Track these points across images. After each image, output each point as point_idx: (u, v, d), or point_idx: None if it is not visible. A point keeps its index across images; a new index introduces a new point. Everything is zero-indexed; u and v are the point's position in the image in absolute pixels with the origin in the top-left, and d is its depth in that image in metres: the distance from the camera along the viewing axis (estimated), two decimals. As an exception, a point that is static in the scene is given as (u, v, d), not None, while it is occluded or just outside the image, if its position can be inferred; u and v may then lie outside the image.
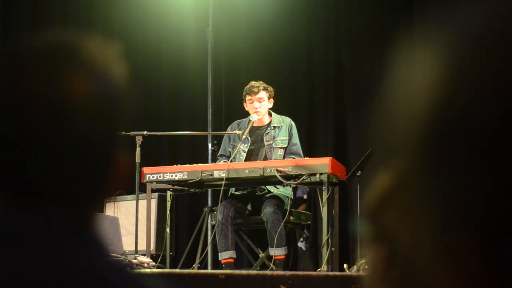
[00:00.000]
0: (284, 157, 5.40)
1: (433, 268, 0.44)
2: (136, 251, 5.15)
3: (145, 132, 5.24)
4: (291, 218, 5.37)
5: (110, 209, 6.17)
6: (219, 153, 5.68)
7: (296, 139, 5.51)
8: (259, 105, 5.43)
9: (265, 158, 5.42)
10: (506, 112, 0.41)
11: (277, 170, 4.95)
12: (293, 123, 5.55)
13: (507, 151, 0.41)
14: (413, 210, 0.45)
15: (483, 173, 0.41)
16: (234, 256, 5.29)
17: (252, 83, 5.51)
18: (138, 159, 5.14)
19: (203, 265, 5.52)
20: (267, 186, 5.46)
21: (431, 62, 0.44)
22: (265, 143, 5.47)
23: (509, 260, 0.41)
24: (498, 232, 0.41)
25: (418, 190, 0.44)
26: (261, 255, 5.36)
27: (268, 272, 4.58)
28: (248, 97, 5.46)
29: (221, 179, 5.10)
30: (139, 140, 5.18)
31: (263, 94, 5.45)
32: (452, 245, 0.43)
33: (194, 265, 5.35)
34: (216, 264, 5.48)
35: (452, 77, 0.43)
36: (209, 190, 5.79)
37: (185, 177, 5.21)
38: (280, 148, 5.45)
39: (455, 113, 0.42)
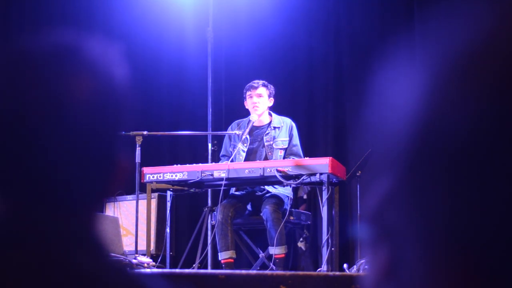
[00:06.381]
0: (284, 158, 5.40)
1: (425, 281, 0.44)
2: (136, 251, 5.15)
3: (145, 132, 5.24)
4: (291, 218, 5.37)
5: (110, 209, 6.17)
6: (221, 153, 5.69)
7: (296, 140, 5.51)
8: (258, 99, 5.45)
9: (265, 158, 5.42)
10: (499, 122, 0.40)
11: (277, 170, 4.94)
12: (294, 124, 5.56)
13: (490, 166, 0.40)
14: (400, 226, 0.44)
15: (465, 190, 0.41)
16: (234, 256, 5.29)
17: (254, 80, 5.57)
18: (138, 159, 5.14)
19: (203, 265, 5.51)
20: (266, 186, 5.47)
21: (430, 65, 0.44)
22: (265, 143, 5.48)
23: (491, 273, 0.41)
24: (481, 248, 0.41)
25: (402, 207, 0.44)
26: (261, 255, 5.36)
27: (268, 272, 4.58)
28: (248, 93, 5.52)
29: (221, 179, 5.10)
30: (139, 140, 5.19)
31: (262, 90, 5.49)
32: (436, 263, 0.42)
33: (194, 265, 5.35)
34: (216, 264, 5.48)
35: (450, 83, 0.43)
36: (209, 190, 5.79)
37: (185, 177, 5.21)
38: (281, 149, 5.46)
39: (447, 124, 0.42)
